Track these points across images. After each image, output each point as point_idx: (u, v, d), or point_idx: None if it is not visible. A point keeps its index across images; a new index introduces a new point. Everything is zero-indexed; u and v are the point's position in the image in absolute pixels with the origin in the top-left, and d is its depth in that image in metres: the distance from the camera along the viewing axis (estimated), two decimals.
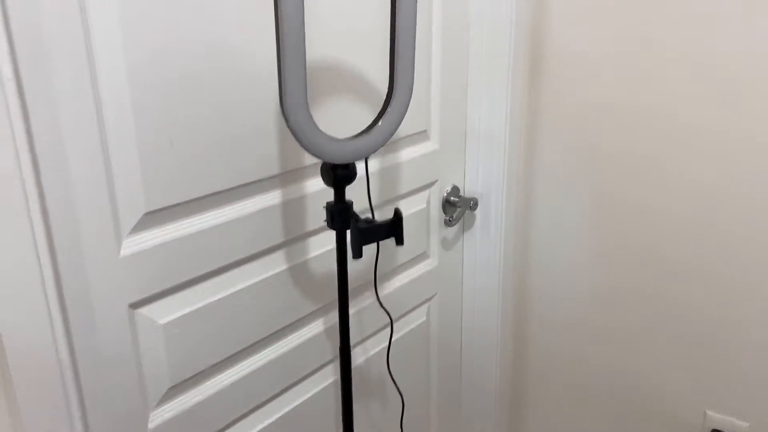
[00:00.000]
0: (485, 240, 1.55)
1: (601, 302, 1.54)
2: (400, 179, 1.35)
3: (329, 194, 0.96)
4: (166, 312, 0.98)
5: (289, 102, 0.80)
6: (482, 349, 1.65)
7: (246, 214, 1.06)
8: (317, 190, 1.16)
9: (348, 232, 0.93)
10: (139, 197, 0.92)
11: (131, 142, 0.89)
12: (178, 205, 0.97)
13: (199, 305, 1.02)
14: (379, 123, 0.89)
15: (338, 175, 0.90)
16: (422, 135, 1.40)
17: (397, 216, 0.90)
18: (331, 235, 1.20)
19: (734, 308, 1.39)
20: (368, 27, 1.18)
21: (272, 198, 1.10)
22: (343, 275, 0.95)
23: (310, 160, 1.13)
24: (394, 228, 0.90)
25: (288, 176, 1.11)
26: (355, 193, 1.19)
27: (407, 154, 1.37)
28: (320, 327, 1.25)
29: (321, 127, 1.10)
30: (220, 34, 0.95)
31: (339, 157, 0.87)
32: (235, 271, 1.07)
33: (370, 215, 1.00)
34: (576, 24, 1.39)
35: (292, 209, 1.13)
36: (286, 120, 0.81)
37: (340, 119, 1.17)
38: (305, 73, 0.79)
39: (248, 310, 1.10)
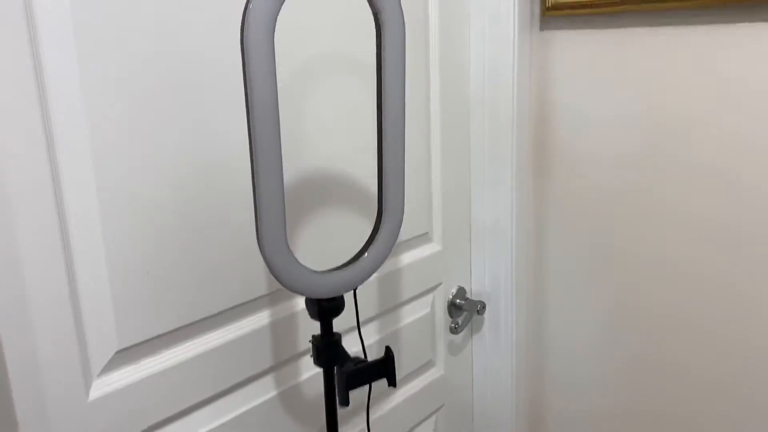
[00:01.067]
0: (495, 346, 1.45)
1: (623, 422, 1.43)
2: (401, 285, 1.28)
3: None
4: None
5: (265, 236, 0.73)
6: None
7: (230, 339, 0.98)
8: None
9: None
10: (111, 334, 0.85)
11: (102, 274, 0.82)
12: (154, 338, 0.90)
13: None
14: (367, 253, 0.82)
15: (323, 308, 0.83)
16: (424, 237, 1.33)
17: (388, 356, 0.82)
18: None
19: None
20: (362, 128, 1.13)
21: (259, 320, 1.02)
22: (332, 416, 0.86)
23: None
24: (385, 368, 0.82)
25: (276, 295, 1.04)
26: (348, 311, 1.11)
27: (408, 258, 1.29)
28: None
29: (304, 251, 1.04)
30: (198, 150, 0.90)
31: (323, 292, 0.80)
32: (219, 403, 0.99)
33: (360, 346, 0.92)
34: (582, 116, 1.33)
35: (282, 329, 1.05)
36: (263, 255, 0.74)
37: (328, 236, 1.11)
38: (283, 204, 0.73)
39: None
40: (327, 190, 1.08)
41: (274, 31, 0.67)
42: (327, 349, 0.84)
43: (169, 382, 0.91)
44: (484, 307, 1.40)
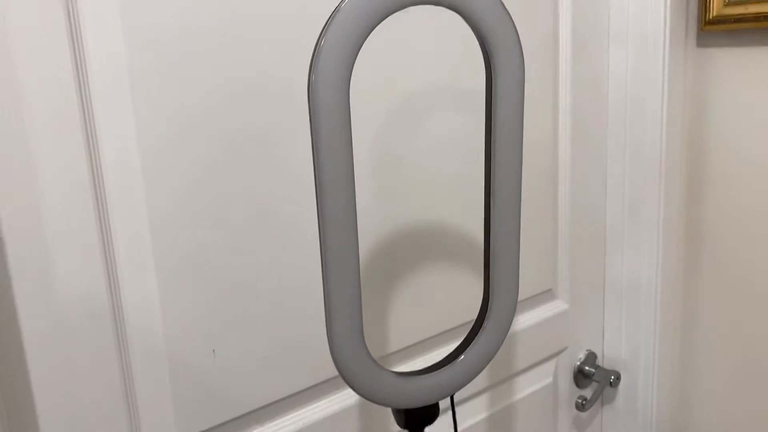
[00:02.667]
0: (630, 426, 1.22)
1: None
2: (517, 350, 1.08)
3: None
4: None
5: (336, 338, 0.57)
6: None
7: (302, 426, 0.84)
8: None
9: None
10: (170, 422, 0.73)
11: (161, 358, 0.70)
12: (218, 426, 0.77)
13: None
14: (465, 354, 0.64)
15: (413, 417, 0.66)
16: (547, 294, 1.13)
17: None
18: None
19: None
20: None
21: (341, 399, 0.87)
22: None
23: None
24: None
25: None
26: None
27: (527, 318, 1.10)
28: None
29: (397, 321, 0.88)
30: (264, 214, 0.76)
31: (410, 402, 0.63)
32: None
33: None
34: (750, 161, 1.07)
35: (369, 411, 0.90)
36: (333, 359, 0.59)
37: (431, 299, 0.94)
38: (359, 299, 0.57)
39: None
40: (428, 251, 0.92)
41: (349, 83, 0.51)
42: None
43: None
44: (618, 378, 1.17)
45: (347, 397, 0.88)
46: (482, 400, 1.05)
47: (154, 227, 0.67)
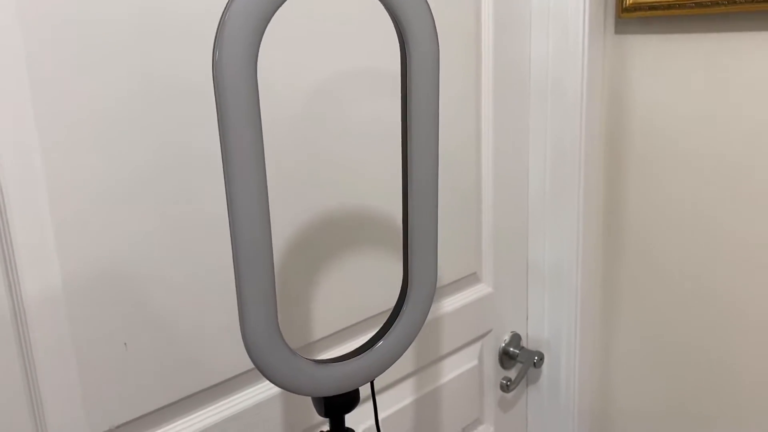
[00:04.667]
0: (554, 405, 1.25)
1: None
2: (443, 333, 1.09)
3: None
4: None
5: (249, 327, 0.56)
6: None
7: (226, 417, 0.82)
8: None
9: None
10: (80, 418, 0.70)
11: (68, 356, 0.67)
12: (131, 421, 0.74)
13: None
14: (384, 339, 0.63)
15: (332, 404, 0.65)
16: (471, 278, 1.14)
17: None
18: None
19: None
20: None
21: (258, 392, 0.86)
22: None
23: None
24: None
25: None
26: None
27: (452, 302, 1.11)
28: None
29: (321, 307, 0.87)
30: (181, 194, 0.73)
31: (327, 390, 0.62)
32: None
33: None
34: (668, 144, 1.11)
35: (292, 402, 0.89)
36: (245, 345, 0.57)
37: (354, 285, 0.93)
38: (272, 282, 0.56)
39: None
40: (350, 238, 0.91)
41: (257, 53, 0.49)
42: None
43: None
44: (542, 359, 1.20)
45: (269, 387, 0.86)
46: (407, 385, 1.06)
47: (57, 223, 0.64)
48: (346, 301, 0.92)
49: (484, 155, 1.10)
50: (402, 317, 0.63)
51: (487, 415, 1.22)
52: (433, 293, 0.64)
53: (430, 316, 1.06)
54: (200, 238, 0.75)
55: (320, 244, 0.87)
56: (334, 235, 0.89)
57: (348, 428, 0.69)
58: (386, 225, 0.95)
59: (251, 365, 0.82)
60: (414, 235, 0.62)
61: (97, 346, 0.69)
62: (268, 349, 0.57)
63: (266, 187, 0.53)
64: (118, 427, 0.73)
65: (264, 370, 0.58)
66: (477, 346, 1.18)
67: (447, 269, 1.08)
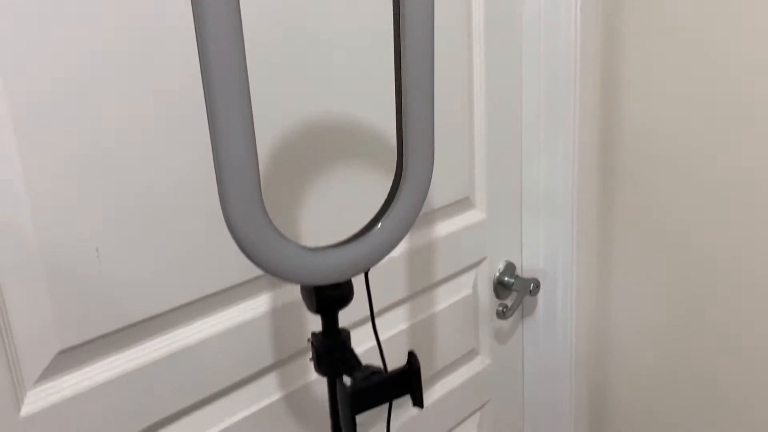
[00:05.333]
0: (550, 332, 1.21)
1: (697, 417, 1.18)
2: (435, 261, 1.05)
3: None
4: None
5: (230, 199, 0.51)
6: None
7: (209, 336, 0.77)
8: None
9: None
10: (49, 331, 0.65)
11: (35, 265, 0.62)
12: (107, 335, 0.69)
13: None
14: (381, 223, 0.59)
15: (324, 298, 0.61)
16: (464, 203, 1.09)
17: (412, 367, 0.59)
18: None
19: None
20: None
21: (247, 310, 0.81)
22: None
23: None
24: (407, 383, 0.59)
25: (270, 278, 0.82)
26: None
27: (445, 228, 1.06)
28: None
29: (293, 226, 0.82)
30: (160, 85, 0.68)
31: (319, 278, 0.57)
32: (195, 416, 0.78)
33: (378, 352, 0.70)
34: (661, 60, 1.06)
35: (280, 320, 0.84)
36: (227, 224, 0.52)
37: (342, 205, 0.88)
38: (254, 151, 0.50)
39: None
40: (336, 142, 0.86)
41: None
42: (329, 354, 0.62)
43: (128, 390, 0.70)
44: (538, 286, 1.16)
45: (259, 304, 0.81)
46: (402, 311, 1.01)
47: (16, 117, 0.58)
48: (334, 217, 0.87)
49: (476, 76, 1.05)
50: (399, 196, 0.58)
51: (482, 346, 1.18)
52: (431, 168, 0.59)
53: (422, 240, 1.01)
54: (185, 135, 0.70)
55: (310, 147, 0.82)
56: (324, 138, 0.84)
57: (342, 328, 0.64)
58: (375, 132, 0.90)
59: (236, 281, 0.78)
60: (409, 110, 0.57)
61: (66, 251, 0.64)
62: (252, 225, 0.52)
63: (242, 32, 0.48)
64: (91, 341, 0.68)
65: (247, 249, 0.53)
66: (471, 275, 1.13)
67: (439, 192, 1.03)
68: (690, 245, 1.11)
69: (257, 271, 0.80)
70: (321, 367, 0.63)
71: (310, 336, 0.64)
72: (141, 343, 0.72)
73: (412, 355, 0.59)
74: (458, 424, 1.17)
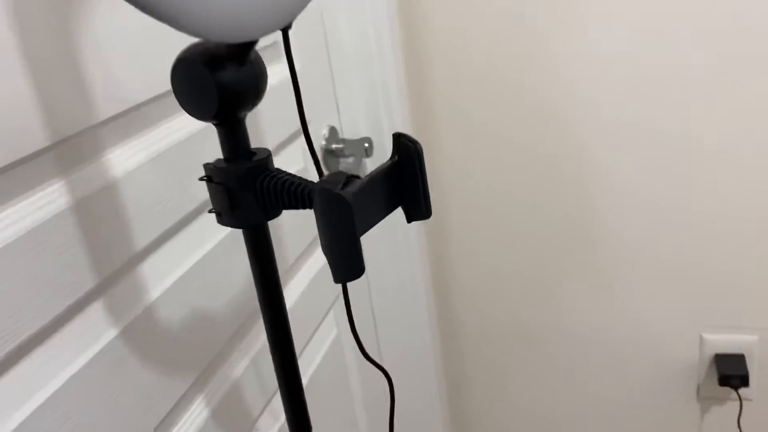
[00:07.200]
0: None
1: (543, 254, 1.16)
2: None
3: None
4: None
5: None
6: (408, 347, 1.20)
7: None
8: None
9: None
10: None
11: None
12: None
13: None
14: None
15: (222, 82, 0.37)
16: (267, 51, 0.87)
17: (410, 150, 0.39)
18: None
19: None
20: None
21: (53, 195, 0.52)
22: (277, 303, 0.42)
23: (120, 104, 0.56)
24: (405, 178, 0.38)
25: (75, 141, 0.53)
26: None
27: None
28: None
29: None
30: None
31: (221, 27, 0.34)
32: None
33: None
34: None
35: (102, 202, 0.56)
36: None
37: None
38: None
39: None
40: None
41: None
42: (243, 182, 0.38)
43: None
44: (371, 144, 1.00)
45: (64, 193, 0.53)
46: None
47: None
48: None
49: None
50: None
51: None
52: None
53: None
54: None
55: None
56: None
57: (262, 149, 0.41)
58: None
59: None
60: None
61: None
62: None
63: None
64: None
65: None
66: (295, 147, 0.93)
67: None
68: (509, 109, 1.03)
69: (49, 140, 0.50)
70: (233, 217, 0.39)
71: (203, 170, 0.40)
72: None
73: (402, 140, 0.38)
74: (319, 326, 0.98)
